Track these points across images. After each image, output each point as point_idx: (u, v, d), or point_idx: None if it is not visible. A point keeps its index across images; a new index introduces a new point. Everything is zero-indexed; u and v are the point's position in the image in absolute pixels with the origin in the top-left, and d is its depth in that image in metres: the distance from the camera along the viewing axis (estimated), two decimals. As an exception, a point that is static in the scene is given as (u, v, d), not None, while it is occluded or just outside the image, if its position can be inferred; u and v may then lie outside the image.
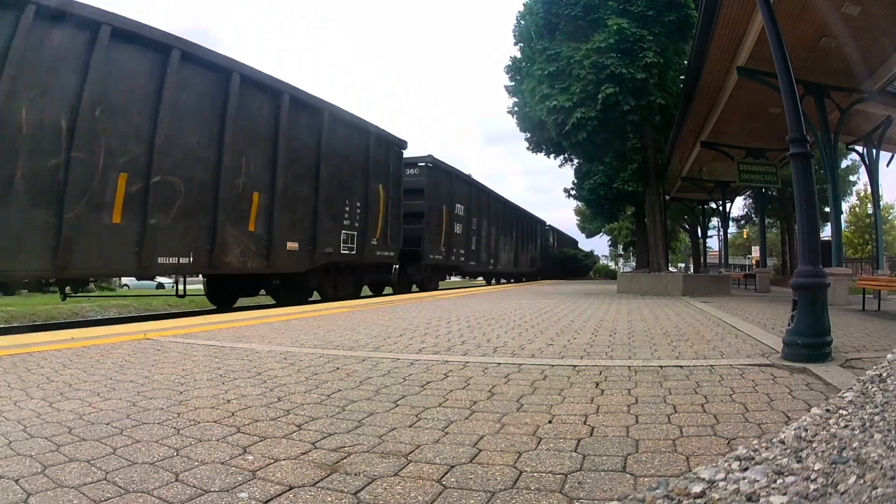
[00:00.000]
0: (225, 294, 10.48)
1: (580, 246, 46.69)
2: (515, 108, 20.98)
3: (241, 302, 11.17)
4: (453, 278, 22.30)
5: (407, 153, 14.41)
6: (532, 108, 15.27)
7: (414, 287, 15.86)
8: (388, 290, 15.12)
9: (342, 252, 10.81)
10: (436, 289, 16.29)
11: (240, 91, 8.16)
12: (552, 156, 21.44)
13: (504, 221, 23.15)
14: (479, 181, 19.57)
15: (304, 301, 10.30)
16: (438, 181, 15.71)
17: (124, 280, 19.54)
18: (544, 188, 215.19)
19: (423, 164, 15.19)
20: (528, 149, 21.92)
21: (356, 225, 11.21)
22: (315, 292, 11.16)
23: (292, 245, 9.37)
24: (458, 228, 17.13)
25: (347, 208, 10.94)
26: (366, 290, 14.14)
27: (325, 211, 10.17)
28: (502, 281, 26.67)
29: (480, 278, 25.81)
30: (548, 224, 34.73)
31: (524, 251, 27.06)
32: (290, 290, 10.48)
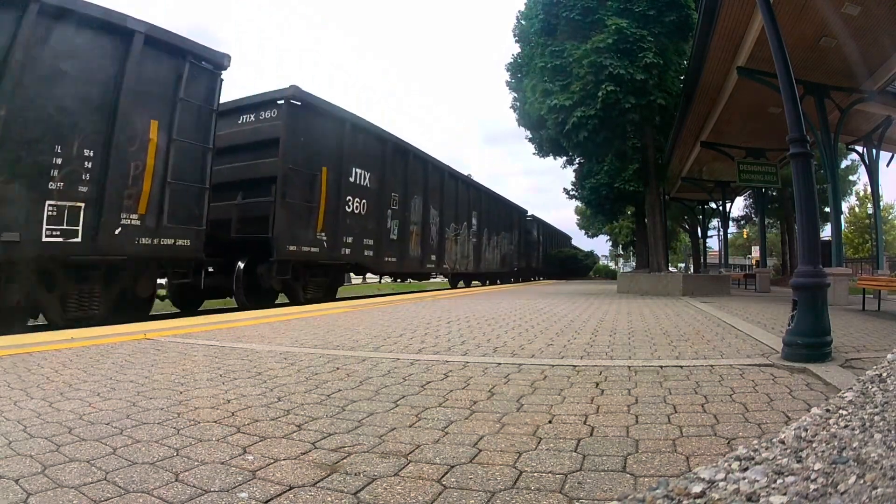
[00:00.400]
0: None
1: (575, 243, 44.59)
2: (517, 104, 20.97)
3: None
4: (384, 280, 15.87)
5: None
6: (532, 105, 15.22)
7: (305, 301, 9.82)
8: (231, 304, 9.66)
9: (47, 239, 5.96)
10: (324, 299, 10.51)
11: None
12: (553, 156, 21.41)
13: (456, 203, 16.93)
14: (408, 142, 13.79)
15: None
16: (311, 129, 9.81)
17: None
18: (545, 188, 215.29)
19: (281, 100, 9.46)
20: (534, 153, 21.84)
21: (83, 190, 6.29)
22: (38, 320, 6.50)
23: None
24: (357, 206, 11.16)
25: (60, 161, 6.07)
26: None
27: None
28: (484, 283, 21.62)
29: (442, 278, 19.30)
30: (530, 214, 28.58)
31: (492, 246, 20.94)
32: None
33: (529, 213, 28.69)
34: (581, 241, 49.47)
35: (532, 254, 28.95)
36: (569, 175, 25.24)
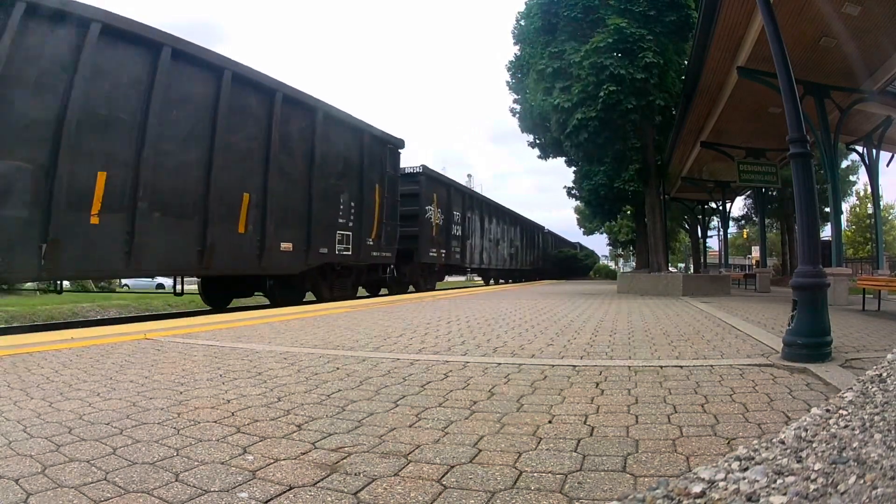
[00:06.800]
0: None
1: (574, 242, 46.16)
2: (517, 106, 20.92)
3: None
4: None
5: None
6: (534, 100, 15.14)
7: None
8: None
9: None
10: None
11: None
12: (556, 157, 21.33)
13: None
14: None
15: None
16: None
17: (124, 280, 19.07)
18: (547, 188, 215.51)
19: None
20: (539, 157, 21.82)
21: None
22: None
23: None
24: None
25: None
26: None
27: None
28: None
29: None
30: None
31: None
32: None
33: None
34: (580, 240, 49.58)
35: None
36: (571, 175, 25.28)
